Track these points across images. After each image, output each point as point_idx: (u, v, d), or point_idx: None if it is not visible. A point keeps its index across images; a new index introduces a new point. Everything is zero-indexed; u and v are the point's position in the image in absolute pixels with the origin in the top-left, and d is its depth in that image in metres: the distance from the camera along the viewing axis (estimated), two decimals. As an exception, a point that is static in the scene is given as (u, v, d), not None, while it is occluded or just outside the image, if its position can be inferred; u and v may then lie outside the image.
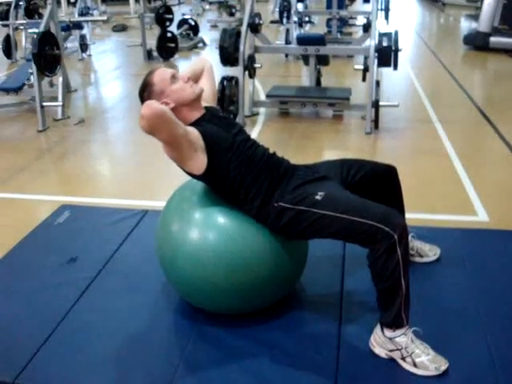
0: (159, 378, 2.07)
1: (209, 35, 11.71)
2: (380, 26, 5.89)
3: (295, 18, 9.27)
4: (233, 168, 2.17)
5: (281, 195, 2.16)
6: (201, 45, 10.96)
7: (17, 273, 2.79)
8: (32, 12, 10.11)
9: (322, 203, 2.07)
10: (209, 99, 2.45)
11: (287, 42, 9.25)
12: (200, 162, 2.13)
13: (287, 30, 9.43)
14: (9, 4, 9.64)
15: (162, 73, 2.25)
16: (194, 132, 2.12)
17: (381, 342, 2.10)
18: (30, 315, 2.43)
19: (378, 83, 5.43)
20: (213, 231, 2.18)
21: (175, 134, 2.01)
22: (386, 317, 2.07)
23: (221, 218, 2.21)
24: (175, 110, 2.12)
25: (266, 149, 2.35)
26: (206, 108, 2.34)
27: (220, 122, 2.28)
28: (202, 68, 2.52)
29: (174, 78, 2.24)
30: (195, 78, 2.44)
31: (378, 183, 2.39)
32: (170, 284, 2.41)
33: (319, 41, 5.92)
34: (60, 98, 6.19)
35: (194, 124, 2.20)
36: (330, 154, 5.01)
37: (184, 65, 9.54)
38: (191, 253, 2.18)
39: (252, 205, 2.17)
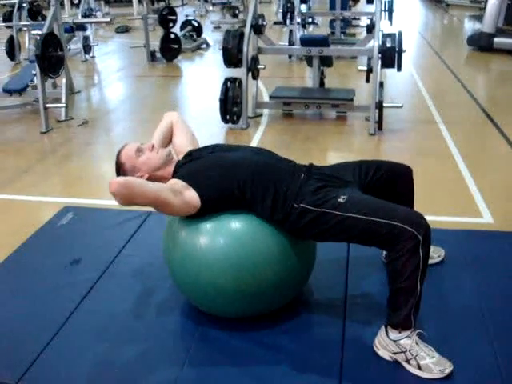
0: (163, 381, 2.07)
1: (212, 36, 11.72)
2: (384, 26, 5.89)
3: (298, 19, 9.26)
4: (220, 182, 2.20)
5: (300, 196, 2.15)
6: (204, 46, 10.97)
7: (20, 274, 2.79)
8: (35, 13, 10.16)
9: (345, 206, 2.07)
10: (187, 147, 2.50)
11: (290, 43, 9.25)
12: (193, 199, 2.15)
13: (290, 31, 9.42)
14: (12, 5, 9.67)
15: (127, 151, 2.36)
16: (171, 181, 2.22)
17: (385, 344, 2.09)
18: (33, 317, 2.43)
19: (381, 84, 5.42)
20: (221, 235, 2.17)
21: (150, 193, 2.07)
22: (395, 317, 2.06)
23: (229, 222, 2.19)
24: (151, 178, 2.26)
25: (254, 148, 2.47)
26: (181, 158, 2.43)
27: (190, 157, 2.37)
28: (169, 125, 2.61)
29: (138, 151, 2.34)
30: (167, 137, 2.58)
31: (394, 183, 2.39)
32: (178, 288, 2.40)
33: (323, 42, 5.91)
34: (63, 99, 6.20)
35: (173, 177, 2.29)
36: (334, 156, 5.01)
37: (187, 66, 9.56)
38: (199, 257, 2.17)
39: (264, 204, 2.16)
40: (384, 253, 2.55)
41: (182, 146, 2.53)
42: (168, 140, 2.59)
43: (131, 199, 2.06)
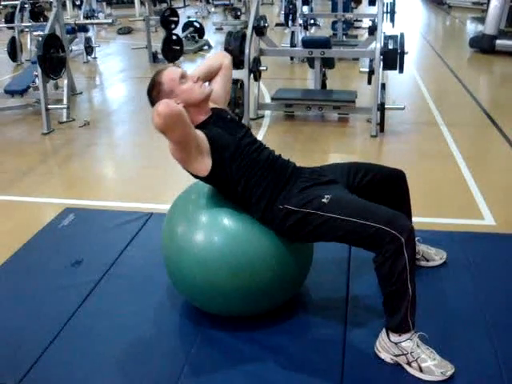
0: (163, 382, 2.07)
1: (214, 38, 11.73)
2: (386, 28, 5.88)
3: (300, 21, 9.26)
4: (236, 171, 2.17)
5: (287, 198, 2.16)
6: (206, 47, 10.97)
7: (21, 276, 2.79)
8: (37, 15, 10.14)
9: (329, 206, 2.06)
10: (219, 101, 2.42)
11: (292, 44, 9.24)
12: (205, 165, 2.13)
13: (292, 33, 9.42)
14: (14, 7, 9.68)
15: (171, 72, 2.24)
16: (200, 135, 2.12)
17: (386, 347, 2.09)
18: (34, 318, 2.43)
19: (383, 86, 5.41)
20: (218, 234, 2.18)
21: (187, 135, 2.01)
22: (392, 321, 2.06)
23: (226, 221, 2.20)
24: (186, 108, 2.10)
25: (272, 151, 2.35)
26: (213, 110, 2.33)
27: (226, 125, 2.27)
28: (219, 65, 2.48)
29: (183, 77, 2.23)
30: (210, 75, 2.44)
31: (385, 187, 2.38)
32: (175, 287, 2.40)
33: (324, 43, 5.92)
34: (65, 100, 6.21)
35: (201, 127, 2.20)
36: (336, 158, 5.00)
37: (189, 67, 9.56)
38: (196, 255, 2.17)
39: (257, 206, 2.17)
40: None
41: (218, 95, 2.42)
42: (211, 78, 2.46)
43: (170, 129, 1.95)
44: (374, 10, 8.34)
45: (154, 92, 2.24)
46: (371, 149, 5.13)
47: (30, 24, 9.14)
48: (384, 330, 2.11)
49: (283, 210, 2.13)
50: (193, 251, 2.19)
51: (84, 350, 2.23)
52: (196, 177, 2.21)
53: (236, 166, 2.17)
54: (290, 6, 9.20)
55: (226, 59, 2.50)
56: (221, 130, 2.22)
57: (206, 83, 2.42)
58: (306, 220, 2.10)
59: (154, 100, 2.20)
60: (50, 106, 5.88)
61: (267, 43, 6.22)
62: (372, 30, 7.27)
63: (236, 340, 2.25)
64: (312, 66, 6.38)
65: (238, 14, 13.70)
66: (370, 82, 5.50)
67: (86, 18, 10.22)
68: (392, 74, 6.35)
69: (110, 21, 9.86)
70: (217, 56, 2.53)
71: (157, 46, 9.50)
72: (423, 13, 17.82)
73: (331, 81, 6.77)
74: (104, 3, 15.41)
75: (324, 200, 2.08)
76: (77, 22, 8.67)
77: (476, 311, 2.38)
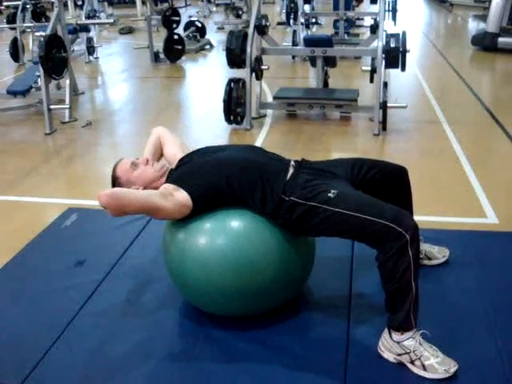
0: (166, 382, 2.07)
1: (216, 37, 11.73)
2: (387, 26, 5.88)
3: (302, 20, 9.27)
4: (208, 180, 2.22)
5: (291, 189, 2.15)
6: (208, 47, 10.98)
7: (23, 276, 2.79)
8: (39, 15, 10.18)
9: (335, 201, 2.06)
10: (177, 157, 2.51)
11: (294, 43, 9.25)
12: (184, 199, 2.17)
13: (294, 32, 9.42)
14: (16, 7, 9.69)
15: (122, 165, 2.42)
16: (161, 187, 2.26)
17: (389, 346, 2.08)
18: (37, 318, 2.43)
19: (385, 84, 5.41)
20: (219, 234, 2.17)
21: (140, 200, 2.11)
22: (395, 320, 2.06)
23: (227, 221, 2.20)
24: (147, 189, 2.31)
25: (242, 148, 2.47)
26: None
27: (181, 163, 2.41)
28: (157, 139, 2.67)
29: (133, 165, 2.41)
30: (158, 150, 2.65)
31: (388, 183, 2.38)
32: (177, 288, 2.40)
33: (326, 42, 5.91)
34: (67, 100, 6.21)
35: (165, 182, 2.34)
36: (338, 156, 4.92)
37: (191, 67, 9.57)
38: (198, 256, 2.17)
39: (254, 198, 2.18)
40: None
41: (173, 155, 2.56)
42: (159, 154, 2.64)
43: (122, 209, 2.08)
44: (375, 8, 8.36)
45: (116, 186, 2.39)
46: (373, 147, 5.12)
47: (31, 24, 9.14)
48: (386, 330, 2.11)
49: (288, 202, 2.13)
50: (194, 252, 2.18)
51: (87, 349, 2.23)
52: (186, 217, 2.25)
53: (206, 177, 2.24)
54: (292, 5, 9.19)
55: (159, 129, 2.70)
56: (178, 168, 2.37)
57: (162, 160, 2.61)
58: (311, 213, 2.10)
59: None
60: (52, 106, 5.88)
61: (269, 42, 6.21)
62: (374, 28, 7.28)
63: (238, 339, 2.25)
64: (314, 64, 6.38)
65: (240, 13, 13.69)
66: (372, 81, 5.50)
67: (88, 18, 10.25)
68: (394, 73, 6.34)
69: (111, 21, 9.86)
70: (152, 134, 2.69)
71: (158, 45, 9.51)
72: (425, 11, 17.81)
73: (333, 79, 6.77)
74: (105, 3, 15.42)
75: (330, 194, 2.08)
76: (78, 22, 8.67)
77: (479, 309, 2.37)
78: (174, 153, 2.57)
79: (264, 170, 2.23)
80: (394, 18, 8.96)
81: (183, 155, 2.48)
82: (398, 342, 2.05)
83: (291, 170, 2.25)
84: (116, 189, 2.15)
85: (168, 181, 2.30)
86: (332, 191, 2.10)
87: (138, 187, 2.31)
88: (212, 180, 2.21)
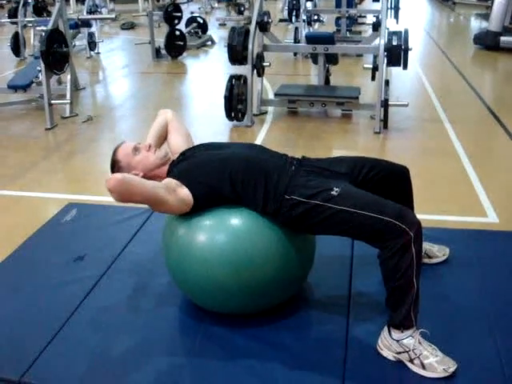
0: (165, 378, 2.07)
1: (217, 33, 11.72)
2: (389, 24, 5.87)
3: (304, 17, 9.23)
4: (210, 178, 2.21)
5: (292, 188, 2.15)
6: (209, 43, 10.96)
7: (23, 271, 2.79)
8: (40, 10, 10.15)
9: (339, 199, 2.06)
10: (182, 147, 2.49)
11: (296, 40, 9.23)
12: (186, 196, 2.16)
13: (296, 29, 9.40)
14: (17, 2, 9.67)
15: (124, 148, 2.38)
16: (165, 180, 2.23)
17: (388, 344, 2.08)
18: (36, 313, 2.43)
19: (387, 82, 5.40)
20: (219, 231, 2.17)
21: (146, 191, 2.08)
22: (395, 317, 2.05)
23: (228, 218, 2.19)
24: (146, 176, 2.26)
25: (244, 146, 2.45)
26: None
27: (183, 157, 2.38)
28: (164, 123, 2.60)
29: (135, 150, 2.36)
30: (162, 136, 2.58)
31: (389, 183, 2.38)
32: (176, 285, 2.40)
33: (328, 39, 5.90)
34: (68, 95, 6.20)
35: (167, 176, 2.30)
36: (339, 154, 4.89)
37: (192, 63, 9.56)
38: (198, 253, 2.17)
39: (255, 197, 2.17)
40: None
41: (177, 145, 2.53)
42: (163, 138, 2.59)
43: (128, 196, 2.06)
44: (377, 5, 8.31)
45: (115, 170, 2.36)
46: (374, 145, 5.12)
47: (33, 19, 9.14)
48: (385, 328, 2.10)
49: (290, 201, 2.12)
50: (194, 249, 2.18)
51: (86, 344, 2.23)
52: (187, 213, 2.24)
53: (207, 175, 2.22)
54: (294, 2, 9.18)
55: (168, 113, 2.63)
56: (181, 162, 2.33)
57: (164, 145, 2.57)
58: (313, 211, 2.09)
59: None
60: (53, 101, 5.88)
61: (271, 39, 6.21)
62: (376, 26, 7.22)
63: (238, 336, 2.25)
64: (315, 61, 6.38)
65: (242, 9, 13.68)
66: (373, 79, 5.49)
67: (90, 13, 10.23)
68: (396, 71, 6.35)
69: (113, 16, 9.84)
70: (159, 118, 2.62)
71: (160, 41, 9.51)
72: (427, 9, 17.77)
73: (335, 77, 6.76)
74: (107, -2, 15.40)
75: (333, 192, 2.08)
76: (80, 17, 8.66)
77: (478, 308, 2.37)
78: (180, 144, 2.53)
79: (267, 168, 2.22)
80: (396, 16, 8.92)
81: (186, 148, 2.47)
82: (398, 341, 2.05)
83: (292, 168, 2.25)
84: (126, 175, 2.09)
85: (170, 175, 2.28)
86: (335, 189, 2.09)
87: (138, 173, 2.28)
88: (214, 179, 2.20)
